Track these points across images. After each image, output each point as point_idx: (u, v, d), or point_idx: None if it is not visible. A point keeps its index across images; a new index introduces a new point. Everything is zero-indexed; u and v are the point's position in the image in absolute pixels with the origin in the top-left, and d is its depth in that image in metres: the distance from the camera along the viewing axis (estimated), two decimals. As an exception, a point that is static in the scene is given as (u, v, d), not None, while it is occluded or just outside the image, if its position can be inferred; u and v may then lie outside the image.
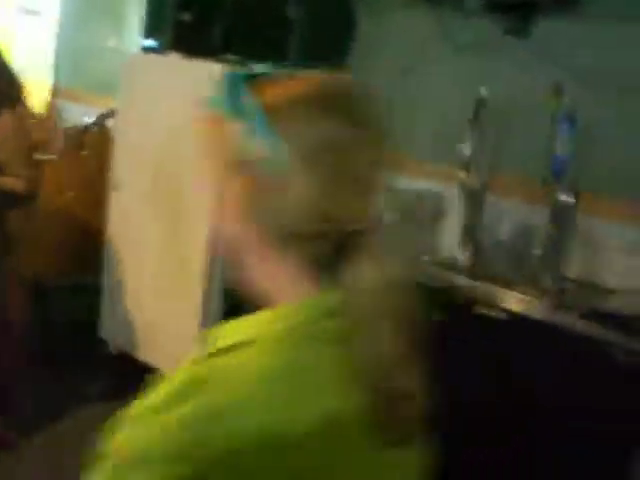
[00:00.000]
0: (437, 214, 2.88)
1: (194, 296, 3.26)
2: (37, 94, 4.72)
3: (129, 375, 3.53)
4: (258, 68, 3.09)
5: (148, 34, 3.40)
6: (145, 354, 3.52)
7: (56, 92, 4.70)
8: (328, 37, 3.43)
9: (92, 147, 3.64)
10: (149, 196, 3.41)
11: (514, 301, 2.48)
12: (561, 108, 2.56)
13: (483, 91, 2.68)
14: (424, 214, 2.94)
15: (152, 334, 3.50)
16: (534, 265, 2.70)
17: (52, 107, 4.60)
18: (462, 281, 2.65)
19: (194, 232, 3.21)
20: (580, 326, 2.33)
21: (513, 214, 2.91)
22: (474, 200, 2.77)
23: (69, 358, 3.60)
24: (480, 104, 2.69)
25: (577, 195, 2.53)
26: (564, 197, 2.53)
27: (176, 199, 3.29)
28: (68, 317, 3.75)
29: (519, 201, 2.90)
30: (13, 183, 2.60)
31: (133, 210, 3.50)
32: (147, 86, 3.38)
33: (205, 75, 3.05)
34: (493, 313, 2.48)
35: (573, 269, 2.68)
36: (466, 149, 2.70)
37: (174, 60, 3.26)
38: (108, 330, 3.68)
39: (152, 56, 3.38)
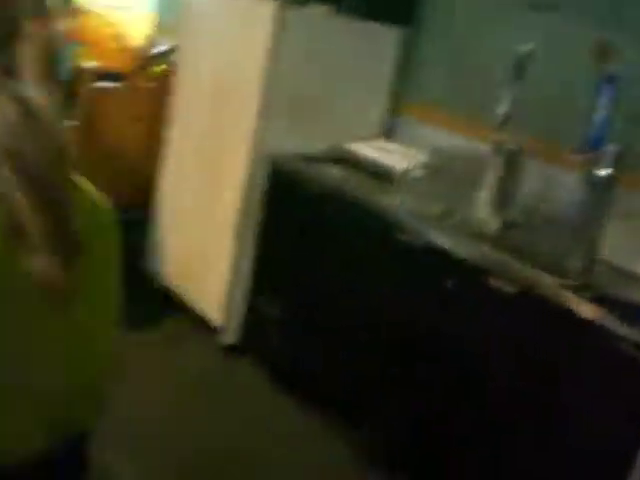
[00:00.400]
0: (474, 175, 2.68)
1: (226, 238, 3.25)
2: (139, 27, 4.82)
3: (165, 308, 3.62)
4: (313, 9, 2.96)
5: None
6: (180, 289, 3.57)
7: (158, 28, 4.78)
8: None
9: (155, 82, 3.67)
10: (199, 133, 3.42)
11: (530, 277, 2.29)
12: (605, 69, 2.29)
13: (524, 48, 2.45)
14: (460, 173, 2.76)
15: (188, 271, 3.54)
16: (565, 240, 2.47)
17: (148, 41, 4.64)
18: (483, 249, 2.46)
19: (233, 170, 3.20)
20: (591, 312, 2.11)
21: (552, 182, 2.67)
22: (509, 164, 2.56)
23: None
24: (521, 61, 2.47)
25: (617, 168, 2.28)
26: (601, 169, 2.28)
27: (220, 140, 3.28)
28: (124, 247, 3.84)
29: (560, 169, 2.65)
30: None
31: (185, 146, 3.52)
32: (206, 21, 3.37)
33: (260, 12, 3.01)
34: (506, 287, 2.30)
35: (606, 250, 2.42)
36: (502, 108, 2.49)
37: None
38: (153, 263, 3.76)
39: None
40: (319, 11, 3.11)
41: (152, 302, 3.67)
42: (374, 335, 2.76)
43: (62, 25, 4.46)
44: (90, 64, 4.08)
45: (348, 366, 2.87)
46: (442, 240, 2.48)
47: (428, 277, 2.56)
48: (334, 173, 3.03)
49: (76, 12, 5.06)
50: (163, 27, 4.74)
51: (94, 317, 0.88)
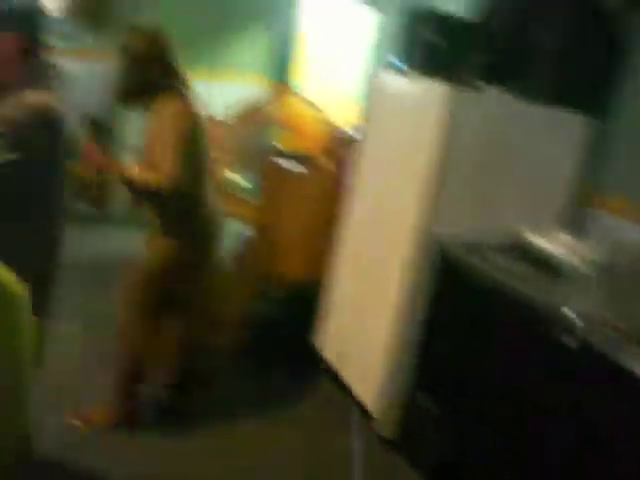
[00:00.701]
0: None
1: (389, 323, 3.17)
2: (343, 113, 5.02)
3: (326, 385, 3.58)
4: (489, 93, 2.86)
5: (397, 53, 3.40)
6: (341, 368, 3.54)
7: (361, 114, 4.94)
8: (584, 71, 3.08)
9: (338, 164, 3.74)
10: (371, 215, 3.42)
11: None
12: None
13: None
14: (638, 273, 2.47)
15: (349, 351, 3.49)
16: None
17: (343, 126, 4.79)
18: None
19: (400, 253, 3.14)
20: None
21: None
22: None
23: (279, 359, 3.78)
24: None
25: None
26: None
27: (390, 222, 3.25)
28: (289, 320, 3.90)
29: None
30: (150, 178, 2.61)
31: (358, 228, 3.53)
32: (387, 106, 3.39)
33: (435, 94, 2.98)
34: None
35: None
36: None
37: (413, 80, 3.21)
38: (320, 339, 3.77)
39: (396, 74, 3.37)
40: (496, 94, 3.01)
41: (314, 377, 3.66)
42: (538, 432, 2.53)
43: (270, 108, 4.75)
44: (278, 145, 4.29)
45: (509, 466, 2.65)
46: (609, 347, 2.22)
47: (591, 383, 2.30)
48: (504, 263, 2.86)
49: (284, 96, 5.37)
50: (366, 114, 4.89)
51: None
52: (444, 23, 3.24)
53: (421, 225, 3.04)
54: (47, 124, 1.89)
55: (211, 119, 4.92)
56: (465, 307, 2.92)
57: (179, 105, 2.71)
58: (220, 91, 5.97)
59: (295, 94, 5.34)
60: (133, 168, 2.64)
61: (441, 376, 3.06)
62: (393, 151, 3.29)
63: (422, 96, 3.12)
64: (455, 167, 2.99)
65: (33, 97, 1.86)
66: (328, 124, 4.78)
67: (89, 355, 3.47)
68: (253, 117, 4.71)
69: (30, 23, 1.91)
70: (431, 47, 3.26)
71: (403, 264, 3.11)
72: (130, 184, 2.63)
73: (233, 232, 4.13)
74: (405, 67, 3.34)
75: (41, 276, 2.04)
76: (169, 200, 2.69)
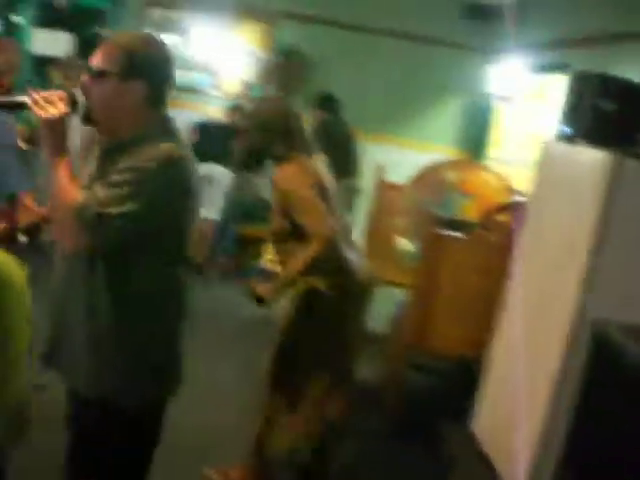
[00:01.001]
0: None
1: (540, 406, 2.94)
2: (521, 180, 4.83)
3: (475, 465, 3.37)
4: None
5: (567, 120, 3.22)
6: (491, 448, 3.32)
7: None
8: None
9: (509, 232, 3.55)
10: (531, 292, 3.21)
11: None
12: None
13: None
14: None
15: (498, 432, 3.28)
16: None
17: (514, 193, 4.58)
18: None
19: (557, 335, 2.91)
20: None
21: None
22: None
23: (429, 432, 3.61)
24: None
25: None
26: None
27: (550, 303, 3.03)
28: (444, 393, 3.74)
29: None
30: (307, 256, 2.59)
31: (518, 305, 3.32)
32: (553, 172, 3.21)
33: (596, 163, 2.80)
34: None
35: None
36: None
37: (579, 148, 3.02)
38: (474, 417, 3.56)
39: (564, 142, 3.19)
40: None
41: (464, 455, 3.48)
42: None
43: (447, 174, 4.70)
44: (451, 212, 4.18)
45: None
46: None
47: None
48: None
49: (466, 163, 5.28)
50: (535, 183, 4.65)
51: None
52: (616, 88, 3.04)
53: (578, 306, 2.81)
54: (173, 176, 1.81)
55: (389, 185, 4.96)
56: (619, 392, 2.64)
57: (295, 170, 2.69)
58: (408, 159, 6.01)
59: (478, 162, 5.23)
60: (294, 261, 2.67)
61: (591, 463, 2.78)
62: (554, 224, 3.09)
63: (585, 165, 2.92)
64: (618, 244, 2.76)
65: (161, 148, 1.79)
66: (509, 193, 4.61)
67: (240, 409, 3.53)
68: (428, 182, 4.66)
69: (159, 72, 1.85)
70: (601, 114, 3.06)
71: (559, 346, 2.89)
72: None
73: (394, 297, 4.07)
74: (574, 134, 3.16)
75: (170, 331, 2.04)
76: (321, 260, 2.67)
